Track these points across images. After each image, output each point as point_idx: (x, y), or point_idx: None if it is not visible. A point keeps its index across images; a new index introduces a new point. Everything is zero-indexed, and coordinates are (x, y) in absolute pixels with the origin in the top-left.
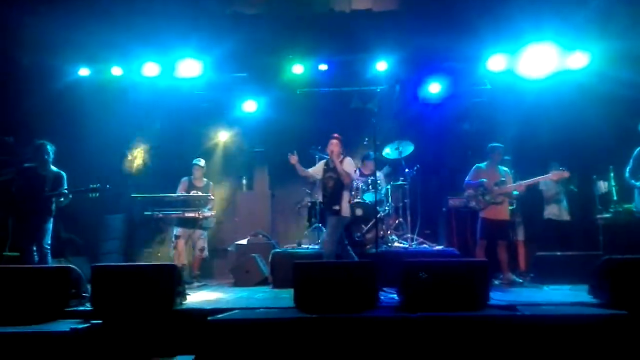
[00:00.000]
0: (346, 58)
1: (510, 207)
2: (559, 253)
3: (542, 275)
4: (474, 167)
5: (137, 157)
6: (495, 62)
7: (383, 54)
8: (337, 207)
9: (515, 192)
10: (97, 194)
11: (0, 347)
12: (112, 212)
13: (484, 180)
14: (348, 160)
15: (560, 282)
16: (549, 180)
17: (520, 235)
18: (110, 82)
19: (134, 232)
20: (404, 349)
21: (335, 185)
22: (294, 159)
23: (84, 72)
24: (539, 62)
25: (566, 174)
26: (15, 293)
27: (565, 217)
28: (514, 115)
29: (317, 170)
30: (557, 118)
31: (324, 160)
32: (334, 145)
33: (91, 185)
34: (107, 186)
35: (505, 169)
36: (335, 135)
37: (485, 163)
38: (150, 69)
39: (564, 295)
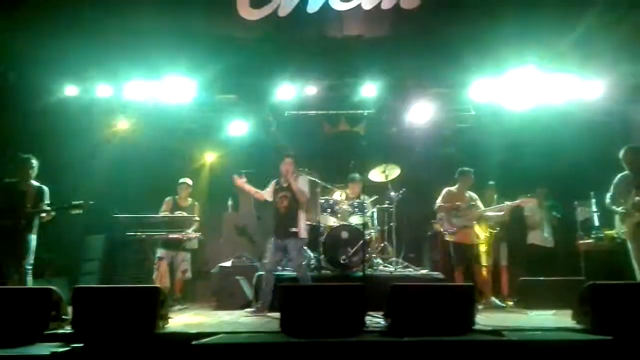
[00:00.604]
0: (335, 82)
1: (493, 231)
2: (542, 278)
3: (525, 300)
4: (444, 190)
5: None
6: (479, 90)
7: (371, 79)
8: (295, 229)
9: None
10: (81, 211)
11: None
12: (94, 232)
13: (459, 203)
14: (302, 178)
15: (544, 307)
16: (532, 204)
17: (504, 261)
18: (96, 101)
19: (115, 253)
20: None
21: (290, 205)
22: (239, 180)
23: (71, 91)
24: (521, 90)
25: (534, 201)
26: None
27: (549, 243)
28: (499, 140)
29: (267, 192)
30: (540, 144)
31: (274, 181)
32: (288, 164)
33: (74, 202)
34: (90, 202)
35: (474, 195)
36: (289, 153)
37: (455, 187)
38: (137, 89)
39: (548, 320)
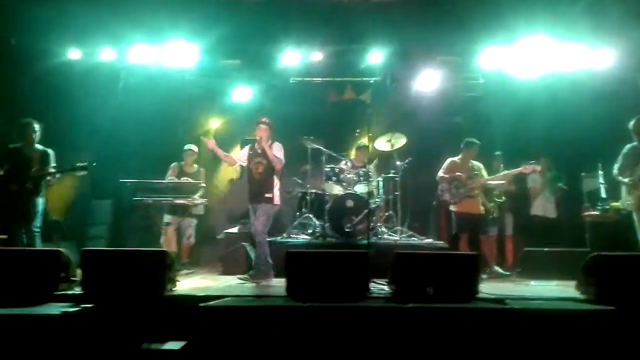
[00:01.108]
0: (341, 48)
1: (499, 201)
2: (546, 249)
3: (529, 270)
4: (447, 161)
5: None
6: (487, 58)
7: (378, 46)
8: (269, 195)
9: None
10: (85, 172)
11: None
12: (100, 197)
13: (459, 173)
14: (277, 145)
15: (547, 278)
16: (535, 176)
17: (509, 231)
18: (100, 65)
19: (121, 218)
20: (394, 338)
21: (266, 171)
22: (210, 143)
23: (74, 54)
24: (531, 59)
25: (537, 168)
26: (4, 275)
27: (552, 214)
28: (507, 110)
29: (241, 156)
30: (548, 114)
31: (248, 146)
32: (263, 130)
33: (77, 164)
34: (94, 164)
35: (479, 164)
36: (264, 119)
37: (459, 157)
38: (140, 53)
39: (552, 290)
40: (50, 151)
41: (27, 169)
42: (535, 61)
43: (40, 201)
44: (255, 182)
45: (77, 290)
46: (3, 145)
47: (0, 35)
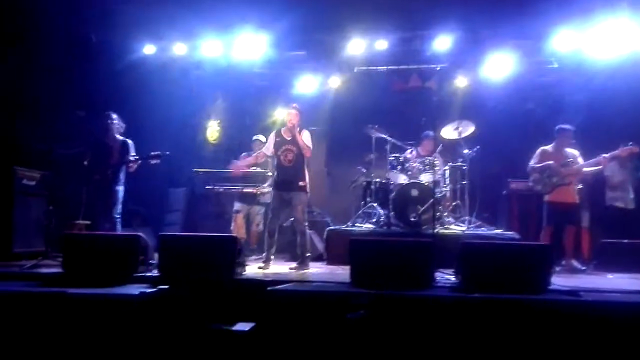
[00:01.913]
0: (406, 35)
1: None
2: (625, 241)
3: (605, 263)
4: (539, 150)
5: (213, 128)
6: (562, 40)
7: (444, 31)
8: (303, 183)
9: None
10: (159, 161)
11: (75, 307)
12: (175, 186)
13: (551, 162)
14: (307, 132)
15: (625, 271)
16: (614, 164)
17: (585, 222)
18: (173, 59)
19: (195, 206)
20: (459, 329)
21: (296, 159)
22: (235, 168)
23: (149, 49)
24: (610, 40)
25: (636, 149)
26: (88, 258)
27: (630, 205)
28: (582, 96)
29: (268, 147)
30: (627, 100)
31: (274, 133)
32: (293, 115)
33: (152, 153)
34: (167, 153)
35: (573, 151)
36: (294, 105)
37: (551, 145)
38: (211, 47)
39: (629, 283)
40: (129, 141)
41: (108, 158)
42: (614, 43)
43: (121, 189)
44: (286, 170)
45: (155, 273)
46: (87, 137)
47: (82, 33)
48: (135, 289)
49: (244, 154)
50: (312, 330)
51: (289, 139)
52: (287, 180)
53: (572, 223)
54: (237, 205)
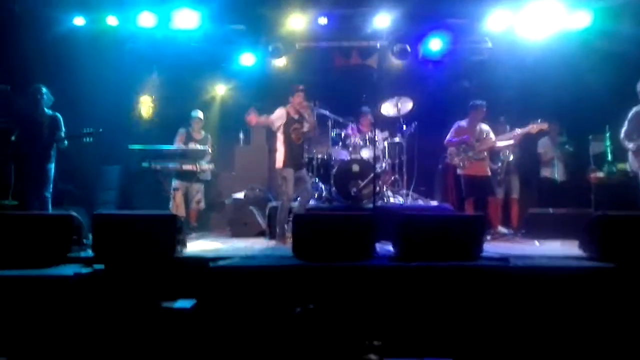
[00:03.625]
0: (346, 12)
1: (507, 159)
2: (551, 210)
3: (534, 231)
4: (455, 125)
5: (148, 103)
6: (496, 20)
7: (384, 9)
8: (305, 161)
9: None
10: (91, 139)
11: (5, 289)
12: (109, 163)
13: (465, 137)
14: (310, 112)
15: (552, 238)
16: (546, 141)
17: (515, 193)
18: (105, 32)
19: (130, 184)
20: (399, 297)
21: (304, 138)
22: (253, 117)
23: (78, 21)
24: (541, 21)
25: (544, 126)
26: (17, 239)
27: (562, 177)
28: (514, 74)
29: (276, 120)
30: (556, 77)
31: (283, 111)
32: (301, 96)
33: (84, 130)
34: (100, 130)
35: (486, 126)
36: (300, 87)
37: (466, 120)
38: (146, 19)
39: (555, 249)
40: (59, 115)
41: (37, 135)
42: (544, 22)
43: (51, 167)
44: (297, 149)
45: (89, 253)
46: (13, 111)
47: (4, 3)
48: (69, 270)
49: (181, 129)
50: (255, 305)
51: (297, 117)
52: (298, 158)
53: (488, 194)
54: (175, 183)
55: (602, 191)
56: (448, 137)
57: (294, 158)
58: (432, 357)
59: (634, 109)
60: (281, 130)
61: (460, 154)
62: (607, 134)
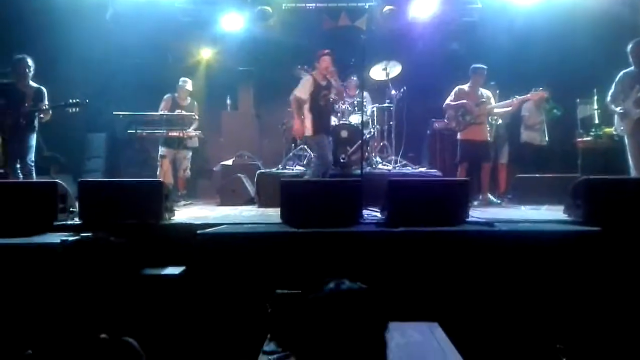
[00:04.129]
0: None
1: (496, 123)
2: (537, 175)
3: (520, 196)
4: (455, 88)
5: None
6: None
7: None
8: (332, 126)
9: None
10: (77, 109)
11: None
12: (94, 130)
13: (464, 101)
14: (337, 78)
15: (539, 203)
16: (530, 105)
17: (503, 159)
18: None
19: (116, 151)
20: (386, 261)
21: (332, 105)
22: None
23: None
24: None
25: (544, 94)
26: (2, 208)
27: (544, 142)
28: (504, 36)
29: (307, 87)
30: (546, 41)
31: (310, 77)
32: (328, 61)
33: (70, 100)
34: (86, 101)
35: (487, 91)
36: (327, 51)
37: (467, 84)
38: None
39: (541, 214)
40: (43, 89)
41: (20, 105)
42: None
43: (33, 136)
44: (327, 114)
45: (77, 221)
46: None
47: None
48: (56, 238)
49: (167, 96)
50: (244, 271)
51: (324, 83)
52: (328, 124)
53: (485, 160)
54: (162, 150)
55: (588, 155)
56: (447, 100)
57: (324, 125)
58: (418, 320)
59: (622, 72)
60: (309, 97)
61: (458, 118)
62: (595, 98)
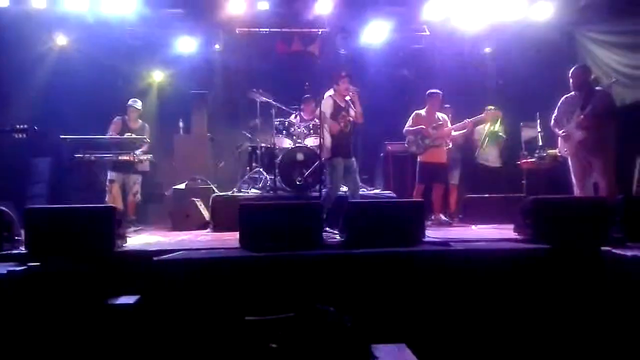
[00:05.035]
0: None
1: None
2: (486, 195)
3: (470, 216)
4: (413, 114)
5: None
6: (433, 9)
7: None
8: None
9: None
10: (24, 135)
11: None
12: (38, 155)
13: (422, 126)
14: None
15: (487, 222)
16: (480, 126)
17: (455, 180)
18: (31, 15)
19: (62, 176)
20: (348, 283)
21: (352, 128)
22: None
23: (1, 2)
24: (476, 9)
25: (499, 113)
26: None
27: (495, 163)
28: (451, 62)
29: (327, 108)
30: (491, 66)
31: (330, 99)
32: (347, 82)
33: (17, 126)
34: (35, 127)
35: (443, 115)
36: (346, 73)
37: (424, 109)
38: (77, 1)
39: (492, 233)
40: None
41: None
42: (478, 13)
43: None
44: (346, 137)
45: (23, 250)
46: None
47: None
48: (1, 268)
49: (116, 118)
50: (202, 298)
51: (343, 105)
52: (348, 146)
53: (440, 181)
54: (111, 175)
55: (533, 176)
56: (406, 125)
57: (342, 146)
58: (383, 342)
59: (564, 97)
60: (328, 119)
61: (417, 142)
62: (538, 121)
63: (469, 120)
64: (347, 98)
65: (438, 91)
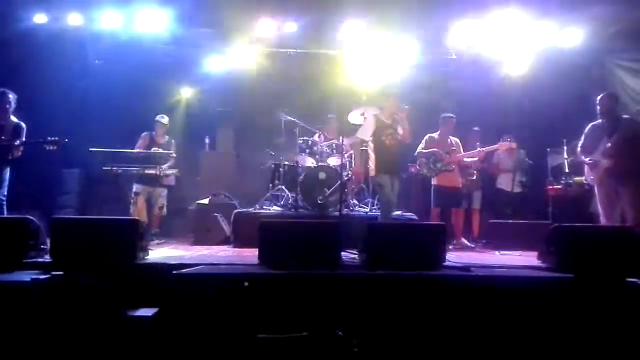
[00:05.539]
0: (315, 19)
1: (471, 178)
2: (510, 221)
3: (493, 241)
4: (426, 137)
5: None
6: (460, 33)
7: (352, 17)
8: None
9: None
10: (55, 147)
11: None
12: (68, 166)
13: (435, 149)
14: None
15: (511, 249)
16: (502, 153)
17: (476, 204)
18: (68, 31)
19: (90, 188)
20: (365, 304)
21: (399, 143)
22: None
23: (40, 18)
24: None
25: (513, 145)
26: None
27: (517, 189)
28: (479, 86)
29: (368, 127)
30: (518, 91)
31: (372, 119)
32: (397, 101)
33: (49, 138)
34: (66, 140)
35: (457, 140)
36: (393, 91)
37: (437, 133)
38: (111, 18)
39: (515, 260)
40: (23, 125)
41: None
42: (506, 38)
43: (6, 170)
44: (392, 154)
45: (47, 258)
46: None
47: None
48: (25, 276)
49: (144, 133)
50: (222, 313)
51: (389, 122)
52: (393, 164)
53: (456, 206)
54: (136, 187)
55: (559, 203)
56: (419, 148)
57: (387, 163)
58: None
59: (591, 124)
60: (373, 137)
61: (429, 165)
62: (565, 148)
63: (481, 149)
64: (396, 117)
65: (452, 115)
